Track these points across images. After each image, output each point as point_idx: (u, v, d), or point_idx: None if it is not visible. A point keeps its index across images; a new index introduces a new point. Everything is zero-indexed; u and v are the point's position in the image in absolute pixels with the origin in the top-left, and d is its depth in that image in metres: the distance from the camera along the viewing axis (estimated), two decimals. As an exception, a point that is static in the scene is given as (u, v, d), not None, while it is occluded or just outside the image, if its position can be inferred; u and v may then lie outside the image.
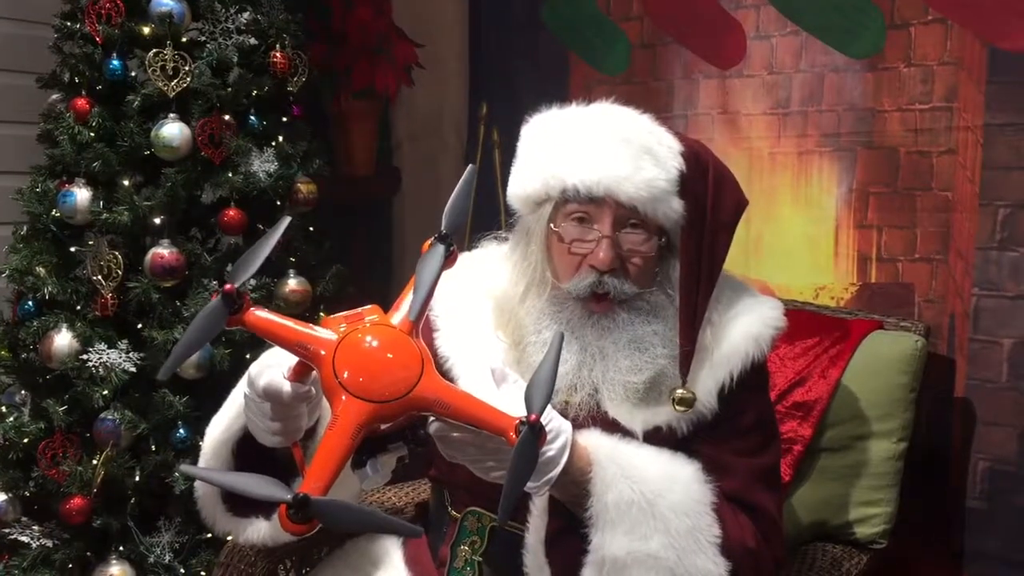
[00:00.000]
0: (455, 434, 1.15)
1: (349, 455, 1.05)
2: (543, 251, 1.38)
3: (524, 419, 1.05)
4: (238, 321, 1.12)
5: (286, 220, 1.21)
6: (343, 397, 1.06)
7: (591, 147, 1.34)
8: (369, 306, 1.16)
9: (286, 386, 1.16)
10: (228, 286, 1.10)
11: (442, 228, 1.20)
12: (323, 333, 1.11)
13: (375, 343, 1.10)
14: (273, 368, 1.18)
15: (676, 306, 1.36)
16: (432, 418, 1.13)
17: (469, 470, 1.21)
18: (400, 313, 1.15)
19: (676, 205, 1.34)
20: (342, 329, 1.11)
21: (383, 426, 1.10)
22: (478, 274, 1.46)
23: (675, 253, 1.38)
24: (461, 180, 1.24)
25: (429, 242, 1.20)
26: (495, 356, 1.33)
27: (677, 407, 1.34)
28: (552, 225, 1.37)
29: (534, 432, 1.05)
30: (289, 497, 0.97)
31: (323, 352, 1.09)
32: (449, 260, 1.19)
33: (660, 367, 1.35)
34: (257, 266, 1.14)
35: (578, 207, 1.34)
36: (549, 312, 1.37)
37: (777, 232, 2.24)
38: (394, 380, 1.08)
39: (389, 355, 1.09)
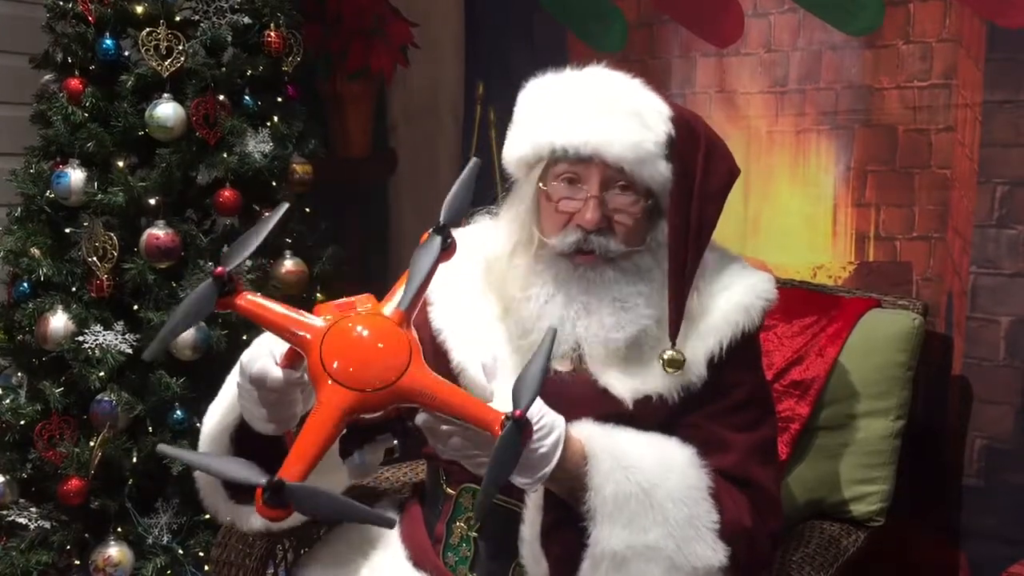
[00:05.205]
0: (442, 427, 1.14)
1: (331, 442, 1.04)
2: (532, 210, 1.40)
3: (510, 414, 1.04)
4: (228, 304, 1.11)
5: (284, 206, 1.21)
6: (328, 383, 1.05)
7: (580, 109, 1.35)
8: (363, 295, 1.16)
9: (275, 372, 1.15)
10: (219, 269, 1.10)
11: (440, 220, 1.19)
12: (313, 320, 1.11)
13: (364, 331, 1.09)
14: (265, 355, 1.17)
15: (663, 269, 1.37)
16: (420, 409, 1.12)
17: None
18: (392, 303, 1.14)
19: (663, 168, 1.34)
20: (331, 317, 1.10)
21: (369, 416, 1.08)
22: (471, 246, 1.45)
23: (663, 216, 1.38)
24: (463, 173, 1.24)
25: (427, 233, 1.19)
26: (488, 349, 1.31)
27: (667, 368, 1.33)
28: (541, 184, 1.38)
29: (518, 427, 1.03)
30: (264, 481, 0.96)
31: (310, 338, 1.08)
32: (446, 253, 1.19)
33: (643, 326, 1.35)
34: (251, 251, 1.14)
35: (567, 167, 1.35)
36: (536, 270, 1.38)
37: (775, 211, 2.23)
38: (380, 369, 1.06)
39: (378, 344, 1.08)
